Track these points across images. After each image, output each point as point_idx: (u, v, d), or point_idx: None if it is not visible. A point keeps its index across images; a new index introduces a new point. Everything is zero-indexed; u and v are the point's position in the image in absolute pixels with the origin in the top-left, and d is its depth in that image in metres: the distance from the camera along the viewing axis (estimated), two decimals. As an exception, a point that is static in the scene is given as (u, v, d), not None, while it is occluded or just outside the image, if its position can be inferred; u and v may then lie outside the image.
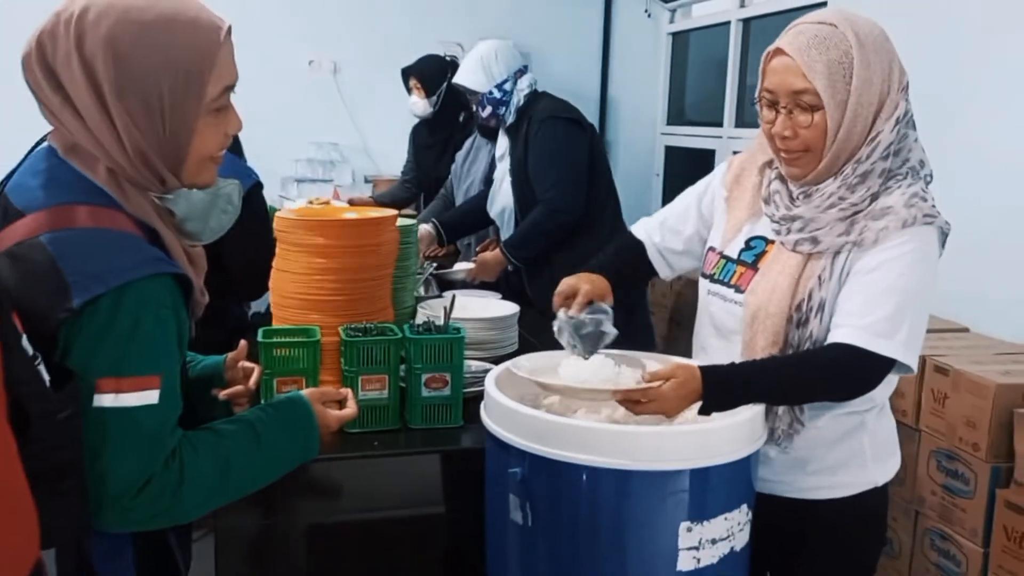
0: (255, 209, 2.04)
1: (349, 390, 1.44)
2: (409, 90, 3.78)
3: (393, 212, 2.02)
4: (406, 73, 3.77)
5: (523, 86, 2.92)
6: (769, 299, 1.45)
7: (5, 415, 0.83)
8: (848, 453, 1.51)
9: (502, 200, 3.04)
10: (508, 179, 2.99)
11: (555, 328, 1.54)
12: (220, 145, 1.14)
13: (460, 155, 3.45)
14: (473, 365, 1.93)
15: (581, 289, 1.56)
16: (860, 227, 1.40)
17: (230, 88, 1.12)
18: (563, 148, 2.82)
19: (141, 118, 1.05)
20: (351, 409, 1.38)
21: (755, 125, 1.53)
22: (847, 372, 1.38)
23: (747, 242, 1.55)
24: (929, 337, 2.50)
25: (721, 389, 1.35)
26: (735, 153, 1.73)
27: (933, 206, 1.41)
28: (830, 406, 1.48)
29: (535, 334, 2.34)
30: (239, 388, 1.41)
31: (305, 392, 1.34)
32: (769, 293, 1.45)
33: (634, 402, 1.35)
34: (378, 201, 3.71)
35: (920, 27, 2.86)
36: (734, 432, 1.36)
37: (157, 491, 1.05)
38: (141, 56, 1.03)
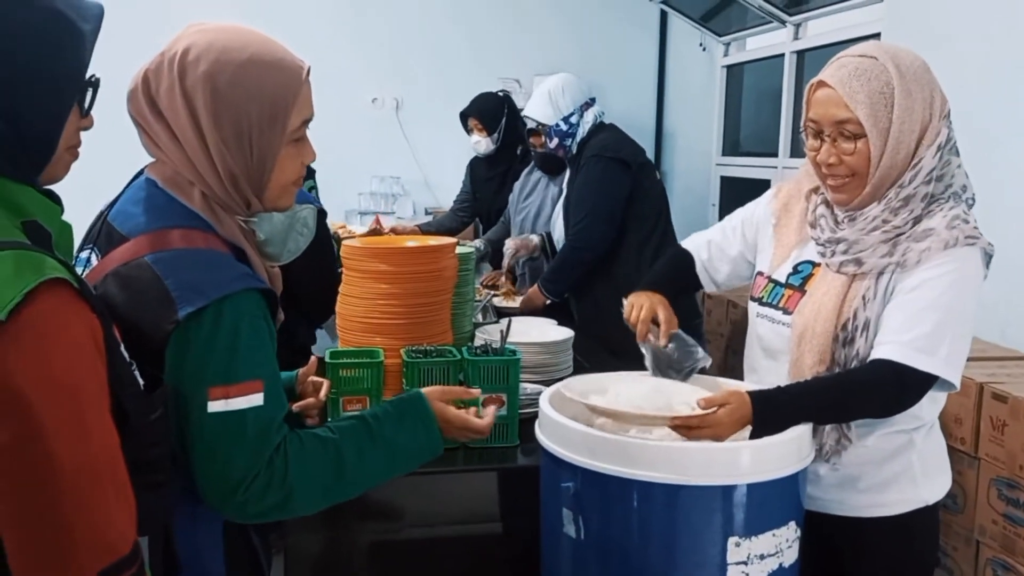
0: (318, 235, 2.14)
1: (492, 403, 1.43)
2: (469, 130, 3.87)
3: (451, 240, 2.10)
4: (464, 115, 3.87)
5: (588, 119, 2.99)
6: (815, 319, 1.49)
7: (109, 411, 0.93)
8: (897, 470, 1.53)
9: (559, 230, 3.14)
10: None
11: (649, 359, 1.62)
12: (298, 172, 1.25)
13: (517, 186, 3.53)
14: (528, 388, 1.99)
15: (661, 317, 1.62)
16: (903, 248, 1.44)
17: (307, 121, 1.24)
18: (597, 188, 2.89)
19: (232, 144, 1.17)
20: (482, 421, 1.34)
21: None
22: (890, 388, 1.41)
23: (795, 267, 1.60)
24: (989, 364, 2.50)
25: (771, 413, 1.40)
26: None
27: (975, 228, 1.44)
28: (878, 424, 1.51)
29: (587, 358, 2.40)
30: (310, 400, 1.48)
31: (425, 390, 1.35)
32: (815, 313, 1.49)
33: (687, 427, 1.39)
34: (423, 231, 3.77)
35: (965, 56, 2.86)
36: (782, 449, 1.39)
37: (265, 482, 1.12)
38: (235, 90, 1.15)
